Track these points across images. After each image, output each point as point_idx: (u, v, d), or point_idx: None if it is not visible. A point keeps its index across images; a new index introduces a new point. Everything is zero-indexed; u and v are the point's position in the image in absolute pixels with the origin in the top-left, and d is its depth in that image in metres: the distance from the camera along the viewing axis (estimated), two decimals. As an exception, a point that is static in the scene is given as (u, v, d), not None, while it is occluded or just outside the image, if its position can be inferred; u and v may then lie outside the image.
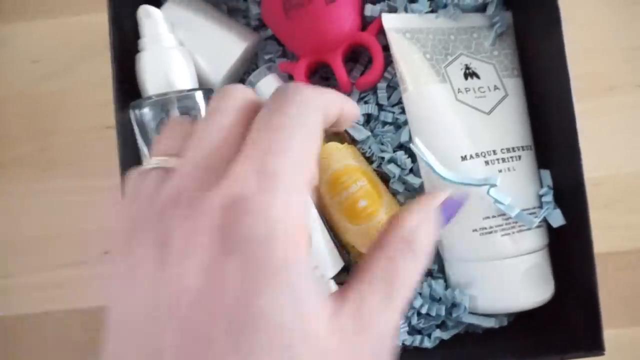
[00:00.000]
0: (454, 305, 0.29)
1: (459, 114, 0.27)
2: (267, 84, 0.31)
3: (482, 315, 0.29)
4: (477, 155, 0.26)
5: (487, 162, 0.26)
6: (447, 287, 0.30)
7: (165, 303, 0.13)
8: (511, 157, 0.27)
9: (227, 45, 0.31)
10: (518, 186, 0.27)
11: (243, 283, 0.13)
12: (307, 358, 0.13)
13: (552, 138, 0.29)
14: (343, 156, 0.29)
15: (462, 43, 0.29)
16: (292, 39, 0.31)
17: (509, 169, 0.27)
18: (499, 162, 0.27)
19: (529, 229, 0.27)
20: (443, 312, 0.29)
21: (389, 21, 0.29)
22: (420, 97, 0.28)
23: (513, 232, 0.26)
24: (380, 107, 0.31)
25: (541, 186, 0.29)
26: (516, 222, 0.26)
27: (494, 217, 0.26)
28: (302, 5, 0.29)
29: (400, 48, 0.28)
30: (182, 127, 0.17)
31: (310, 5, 0.29)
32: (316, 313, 0.13)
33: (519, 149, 0.28)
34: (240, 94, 0.16)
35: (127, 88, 0.29)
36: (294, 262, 0.13)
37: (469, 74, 0.28)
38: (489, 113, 0.28)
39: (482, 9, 0.31)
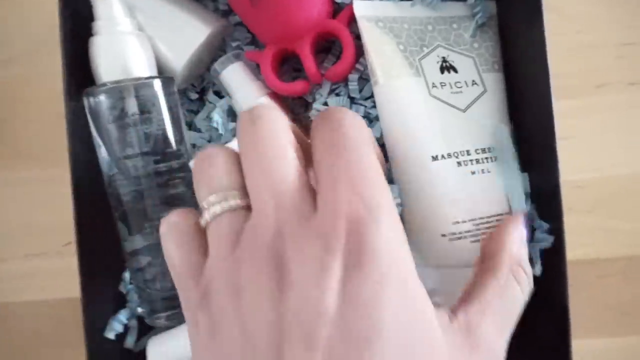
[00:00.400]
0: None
1: (432, 110, 0.25)
2: (233, 72, 0.29)
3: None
4: (449, 155, 0.25)
5: (459, 163, 0.25)
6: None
7: (300, 322, 0.14)
8: (486, 158, 0.25)
9: (190, 31, 0.29)
10: (492, 189, 0.25)
11: (375, 298, 0.14)
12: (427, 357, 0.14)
13: (530, 137, 0.27)
14: None
15: (440, 34, 0.28)
16: (258, 25, 0.29)
17: (483, 170, 0.25)
18: (472, 163, 0.25)
19: None
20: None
21: (361, 8, 0.27)
22: (391, 91, 0.26)
23: (481, 238, 0.25)
24: (352, 100, 0.29)
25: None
26: (488, 228, 0.25)
27: (464, 222, 0.25)
28: (267, -9, 0.27)
29: (371, 38, 0.26)
30: (224, 158, 0.17)
31: (276, -8, 0.27)
32: (434, 321, 0.15)
33: (492, 149, 0.26)
34: (278, 116, 0.17)
35: (82, 74, 0.28)
36: (411, 275, 0.15)
37: (446, 67, 0.26)
38: (465, 110, 0.26)
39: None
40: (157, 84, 0.28)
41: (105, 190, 0.29)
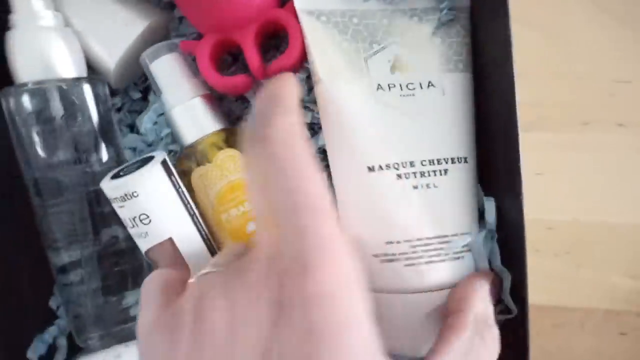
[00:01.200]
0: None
1: (374, 115, 0.22)
2: (164, 64, 0.26)
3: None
4: (387, 166, 0.22)
5: (399, 176, 0.22)
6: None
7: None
8: (433, 171, 0.22)
9: (124, 25, 0.26)
10: (437, 206, 0.22)
11: (304, 348, 0.13)
12: None
13: (497, 169, 0.24)
14: (240, 168, 0.25)
15: (397, 29, 0.24)
16: (196, 12, 0.25)
17: (428, 185, 0.22)
18: (415, 177, 0.22)
19: (441, 260, 0.22)
20: None
21: (301, 1, 0.24)
22: (331, 92, 0.23)
23: (419, 263, 0.22)
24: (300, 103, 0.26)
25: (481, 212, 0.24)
26: (425, 252, 0.22)
27: (398, 242, 0.22)
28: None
29: (312, 33, 0.23)
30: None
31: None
32: None
33: (446, 161, 0.23)
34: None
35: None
36: (354, 322, 0.14)
37: (398, 66, 0.23)
38: (415, 116, 0.23)
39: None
40: (85, 86, 0.25)
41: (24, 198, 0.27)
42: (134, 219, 0.23)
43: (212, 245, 0.26)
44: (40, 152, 0.26)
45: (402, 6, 0.24)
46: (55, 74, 0.25)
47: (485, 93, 0.27)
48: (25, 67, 0.25)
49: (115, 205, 0.24)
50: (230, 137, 0.26)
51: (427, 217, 0.22)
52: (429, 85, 0.23)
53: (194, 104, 0.26)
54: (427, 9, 0.25)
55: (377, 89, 0.23)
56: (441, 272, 0.22)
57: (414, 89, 0.23)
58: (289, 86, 0.19)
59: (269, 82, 0.19)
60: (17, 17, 0.24)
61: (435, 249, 0.22)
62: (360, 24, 0.24)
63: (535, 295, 0.30)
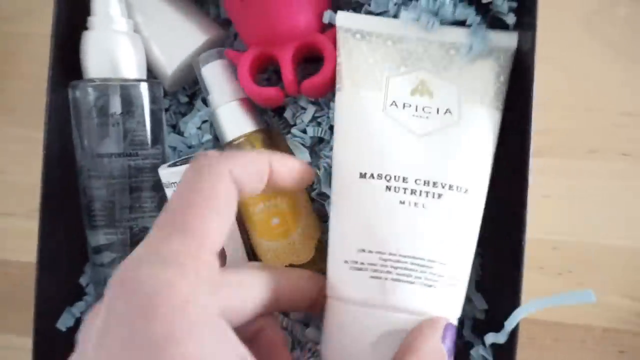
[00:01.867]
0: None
1: (379, 127, 0.23)
2: (213, 69, 0.29)
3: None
4: (379, 176, 0.22)
5: (389, 188, 0.21)
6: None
7: None
8: (426, 192, 0.21)
9: (185, 36, 0.29)
10: (419, 227, 0.21)
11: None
12: None
13: (503, 192, 0.27)
14: None
15: (430, 58, 0.24)
16: (244, 25, 0.28)
17: (416, 203, 0.21)
18: (405, 192, 0.21)
19: (410, 282, 0.21)
20: None
21: (342, 19, 0.25)
22: (347, 99, 0.24)
23: (386, 278, 0.20)
24: (332, 129, 0.29)
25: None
26: (395, 268, 0.21)
27: (370, 252, 0.21)
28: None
29: (344, 46, 0.25)
30: None
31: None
32: None
33: (443, 186, 0.22)
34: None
35: (70, 64, 0.28)
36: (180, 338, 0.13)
37: (420, 90, 0.24)
38: (421, 136, 0.23)
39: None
40: (144, 87, 0.28)
41: (75, 178, 0.29)
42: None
43: (244, 234, 0.28)
44: (95, 141, 0.28)
45: (443, 39, 0.25)
46: (120, 74, 0.28)
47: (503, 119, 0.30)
48: (94, 64, 0.27)
49: (169, 190, 0.26)
50: (265, 138, 0.28)
51: (407, 235, 0.21)
52: (445, 112, 0.23)
53: (235, 105, 0.28)
54: (465, 44, 0.25)
55: (391, 104, 0.23)
56: (407, 293, 0.21)
57: (429, 112, 0.23)
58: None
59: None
60: (95, 20, 0.27)
61: (406, 269, 0.21)
62: (394, 47, 0.25)
63: (538, 311, 0.32)
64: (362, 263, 0.21)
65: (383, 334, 0.21)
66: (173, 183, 0.26)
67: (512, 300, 0.25)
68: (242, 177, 0.17)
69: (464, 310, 0.31)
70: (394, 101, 0.23)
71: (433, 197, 0.22)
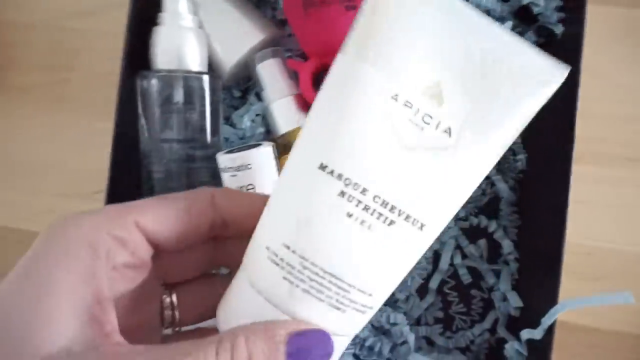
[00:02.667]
0: (404, 341, 0.29)
1: (371, 119, 0.18)
2: (268, 67, 0.31)
3: (430, 356, 0.29)
4: (339, 176, 0.18)
5: (343, 194, 0.18)
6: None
7: None
8: (379, 214, 0.18)
9: (244, 34, 0.31)
10: (356, 250, 0.18)
11: None
12: None
13: (542, 196, 0.28)
14: None
15: (467, 54, 0.18)
16: (306, 37, 0.30)
17: (363, 222, 0.18)
18: (357, 206, 0.18)
19: (320, 299, 0.18)
20: (387, 350, 0.28)
21: None
22: (348, 70, 0.19)
23: (297, 285, 0.18)
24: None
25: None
26: (311, 279, 0.18)
27: (294, 252, 0.18)
28: (321, 5, 0.28)
29: (375, 11, 0.19)
30: None
31: (330, 8, 0.28)
32: None
33: (400, 214, 0.18)
34: None
35: (139, 56, 0.30)
36: None
37: (431, 92, 0.18)
38: (405, 148, 0.18)
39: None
40: (205, 79, 0.30)
41: (139, 164, 0.31)
42: (241, 188, 0.27)
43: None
44: (158, 128, 0.30)
45: (498, 49, 0.19)
46: (184, 66, 0.30)
47: (543, 127, 0.31)
48: (162, 57, 0.30)
49: (226, 175, 0.28)
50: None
51: (337, 250, 0.18)
52: (445, 130, 0.18)
53: (287, 101, 0.31)
54: (509, 60, 0.19)
55: (392, 97, 0.18)
56: (311, 308, 0.18)
57: (427, 123, 0.18)
58: None
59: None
60: (165, 16, 0.29)
61: (321, 285, 0.18)
62: (444, 27, 0.18)
63: (572, 315, 0.33)
64: (281, 259, 0.18)
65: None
66: (230, 168, 0.28)
67: (548, 300, 0.26)
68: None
69: (498, 307, 0.32)
70: (397, 93, 0.18)
71: (384, 222, 0.18)
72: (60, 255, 0.16)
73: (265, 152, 0.28)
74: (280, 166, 0.30)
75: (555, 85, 0.18)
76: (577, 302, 0.23)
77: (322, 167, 0.18)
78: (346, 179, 0.18)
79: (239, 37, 0.31)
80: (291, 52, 0.33)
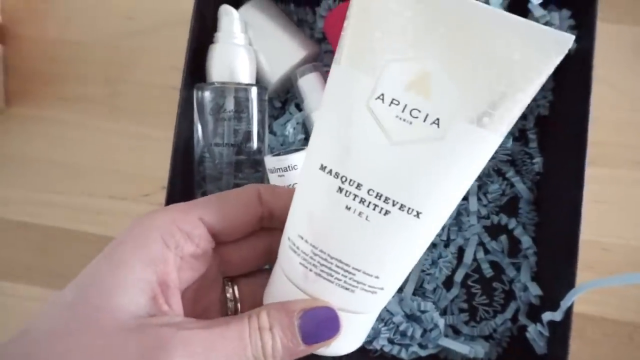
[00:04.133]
0: (434, 327, 0.32)
1: (356, 120, 0.20)
2: (309, 80, 0.35)
3: (457, 341, 0.32)
4: (336, 175, 0.20)
5: (340, 190, 0.20)
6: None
7: None
8: (375, 205, 0.20)
9: (288, 51, 0.35)
10: (355, 236, 0.20)
11: None
12: None
13: (558, 195, 0.31)
14: None
15: (451, 41, 0.18)
16: None
17: (361, 213, 0.20)
18: (354, 199, 0.20)
19: (329, 281, 0.20)
20: (418, 335, 0.31)
21: None
22: (338, 78, 0.20)
23: (311, 270, 0.20)
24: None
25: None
26: (320, 264, 0.20)
27: (306, 241, 0.20)
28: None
29: (357, 15, 0.20)
30: None
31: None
32: None
33: (394, 204, 0.20)
34: None
35: (195, 70, 0.34)
36: None
37: (417, 86, 0.19)
38: (394, 144, 0.19)
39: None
40: (254, 91, 0.34)
41: (191, 168, 0.35)
42: (288, 187, 0.31)
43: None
44: (210, 134, 0.34)
45: (480, 16, 0.18)
46: (235, 79, 0.34)
47: (558, 133, 0.35)
48: (216, 70, 0.34)
49: (273, 175, 0.31)
50: None
51: (343, 238, 0.20)
52: (432, 123, 0.19)
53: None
54: (505, 36, 0.18)
55: (377, 97, 0.19)
56: (325, 289, 0.21)
57: (415, 117, 0.19)
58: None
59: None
60: (220, 35, 0.33)
61: (330, 269, 0.20)
62: (413, 18, 0.19)
63: (588, 306, 0.36)
64: (297, 248, 0.21)
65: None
66: (278, 169, 0.31)
67: (565, 291, 0.29)
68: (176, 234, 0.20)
69: (519, 297, 0.34)
70: (382, 93, 0.19)
71: (380, 212, 0.20)
72: (135, 243, 0.19)
73: (310, 154, 0.31)
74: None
75: (546, 71, 0.18)
76: (594, 284, 0.26)
77: (322, 168, 0.20)
78: (342, 176, 0.20)
79: (284, 54, 0.35)
80: (328, 67, 0.37)
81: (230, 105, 0.34)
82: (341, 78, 0.20)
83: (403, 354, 0.32)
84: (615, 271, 0.36)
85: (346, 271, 0.20)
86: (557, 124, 0.35)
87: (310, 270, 0.20)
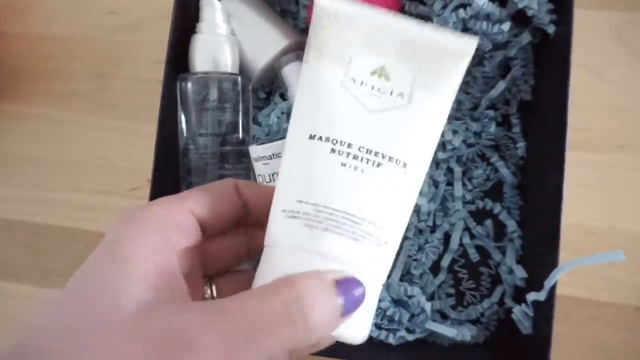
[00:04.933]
0: (421, 311, 0.32)
1: (334, 98, 0.24)
2: (292, 69, 0.34)
3: (444, 325, 0.32)
4: (327, 139, 0.23)
5: (333, 150, 0.23)
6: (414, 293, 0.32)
7: None
8: (367, 159, 0.23)
9: (270, 41, 0.35)
10: (355, 188, 0.23)
11: None
12: None
13: (540, 180, 0.31)
14: None
15: (397, 46, 0.24)
16: None
17: (356, 167, 0.23)
18: (347, 156, 0.23)
19: (338, 233, 0.22)
20: (405, 319, 0.32)
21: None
22: (308, 70, 0.24)
23: (317, 227, 0.22)
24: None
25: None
26: (327, 219, 0.22)
27: (307, 202, 0.22)
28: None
29: (318, 21, 0.25)
30: None
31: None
32: None
33: (383, 157, 0.23)
34: None
35: (178, 62, 0.34)
36: None
37: (378, 73, 0.25)
38: (372, 112, 0.24)
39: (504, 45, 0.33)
40: (237, 81, 0.34)
41: (176, 161, 0.35)
42: (272, 175, 0.31)
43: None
44: (194, 124, 0.34)
45: (413, 35, 0.24)
46: (218, 69, 0.34)
47: (540, 118, 0.35)
48: (199, 61, 0.34)
49: (258, 164, 0.31)
50: None
51: (342, 192, 0.23)
52: (398, 95, 0.24)
53: None
54: (432, 43, 0.24)
55: (349, 80, 0.24)
56: (335, 243, 0.22)
57: (383, 92, 0.24)
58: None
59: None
60: (203, 25, 0.33)
61: (336, 221, 0.22)
62: (363, 32, 0.24)
63: (573, 288, 0.36)
64: (298, 212, 0.22)
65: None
66: (263, 157, 0.31)
67: (549, 273, 0.29)
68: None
69: (504, 280, 0.35)
70: (353, 78, 0.24)
71: (373, 164, 0.23)
72: (137, 234, 0.19)
73: (293, 141, 0.31)
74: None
75: (468, 54, 0.24)
76: (575, 262, 0.26)
77: (312, 137, 0.23)
78: (333, 139, 0.23)
79: (266, 43, 0.35)
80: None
81: (213, 95, 0.34)
82: (312, 69, 0.24)
83: (391, 339, 0.33)
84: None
85: (353, 221, 0.22)
86: (539, 109, 0.35)
87: (317, 227, 0.22)
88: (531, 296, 0.29)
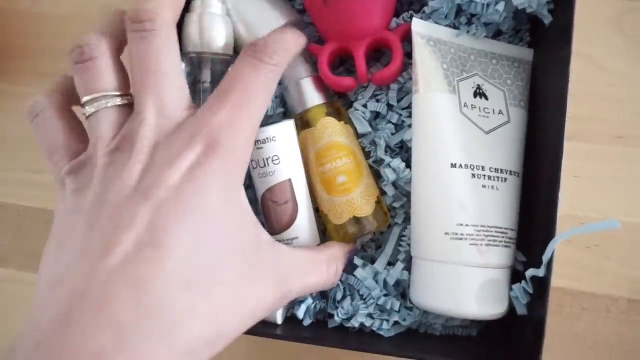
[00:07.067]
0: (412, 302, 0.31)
1: (459, 125, 0.29)
2: None
3: (435, 315, 0.32)
4: (466, 166, 0.28)
5: (474, 175, 0.28)
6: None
7: (147, 186, 0.22)
8: (498, 177, 0.29)
9: (267, 20, 0.34)
10: (497, 204, 0.29)
11: (208, 182, 0.23)
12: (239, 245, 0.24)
13: (540, 168, 0.31)
14: (336, 132, 0.32)
15: (480, 65, 0.31)
16: (325, 23, 0.33)
17: (492, 187, 0.29)
18: (485, 179, 0.28)
19: (496, 245, 0.29)
20: (397, 308, 0.31)
21: (418, 26, 0.31)
22: (427, 101, 0.30)
23: (481, 244, 0.28)
24: (390, 107, 0.34)
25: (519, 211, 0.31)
26: (486, 236, 0.28)
27: (467, 225, 0.28)
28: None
29: (422, 52, 0.30)
30: (107, 61, 0.28)
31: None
32: (250, 220, 0.26)
33: (507, 172, 0.29)
34: (170, 34, 0.28)
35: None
36: (240, 183, 0.25)
37: (479, 93, 0.30)
38: (488, 133, 0.29)
39: (499, 33, 0.33)
40: (231, 62, 0.33)
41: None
42: (267, 159, 0.30)
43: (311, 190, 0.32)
44: (187, 107, 0.33)
45: (485, 48, 0.32)
46: (211, 49, 0.33)
47: (540, 108, 0.34)
48: (192, 40, 0.32)
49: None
50: (330, 109, 0.33)
51: (490, 210, 0.28)
52: (499, 113, 0.30)
53: (306, 82, 0.33)
54: (502, 56, 0.32)
55: (464, 106, 0.29)
56: (496, 254, 0.28)
57: (489, 113, 0.29)
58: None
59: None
60: (196, 4, 0.32)
61: (492, 236, 0.28)
62: (455, 54, 0.31)
63: (566, 280, 0.36)
64: (462, 234, 0.28)
65: (479, 285, 0.28)
66: (257, 141, 0.30)
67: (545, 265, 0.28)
68: None
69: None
70: (465, 103, 0.29)
71: (501, 181, 0.29)
72: None
73: (289, 126, 0.31)
74: (300, 141, 0.32)
75: (526, 56, 0.33)
76: (571, 232, 0.27)
77: (453, 166, 0.29)
78: (471, 165, 0.29)
79: (263, 24, 0.34)
80: (311, 38, 0.36)
81: (207, 76, 0.33)
82: (426, 100, 0.30)
83: (384, 326, 0.32)
84: (593, 245, 0.36)
85: (503, 233, 0.28)
86: (538, 98, 0.34)
87: (480, 245, 0.28)
88: (530, 272, 0.29)
